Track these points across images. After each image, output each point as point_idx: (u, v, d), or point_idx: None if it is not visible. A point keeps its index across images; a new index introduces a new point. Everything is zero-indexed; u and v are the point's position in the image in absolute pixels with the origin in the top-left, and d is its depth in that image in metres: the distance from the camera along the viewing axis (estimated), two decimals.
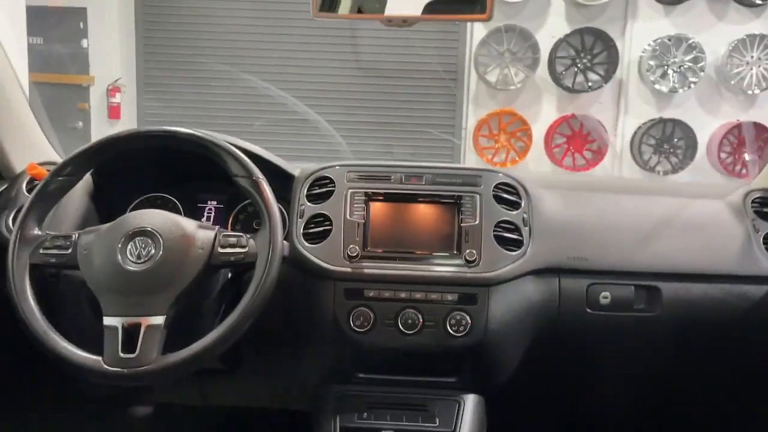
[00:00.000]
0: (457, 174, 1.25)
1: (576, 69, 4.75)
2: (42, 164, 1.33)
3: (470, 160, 4.90)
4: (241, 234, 1.09)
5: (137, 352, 0.98)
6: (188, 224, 1.09)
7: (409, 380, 1.21)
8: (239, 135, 1.27)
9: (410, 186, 1.24)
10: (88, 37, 4.84)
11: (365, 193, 1.23)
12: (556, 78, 4.75)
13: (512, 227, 1.20)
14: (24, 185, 1.32)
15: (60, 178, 1.12)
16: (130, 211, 1.36)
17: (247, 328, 1.02)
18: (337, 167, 1.28)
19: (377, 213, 1.23)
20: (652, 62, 4.72)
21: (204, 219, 1.38)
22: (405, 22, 1.01)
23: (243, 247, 1.07)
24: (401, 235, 1.22)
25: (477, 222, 1.20)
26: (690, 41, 4.64)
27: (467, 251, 1.17)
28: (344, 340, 1.16)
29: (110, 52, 4.88)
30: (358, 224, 1.20)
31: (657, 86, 4.72)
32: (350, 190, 1.23)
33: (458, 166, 1.29)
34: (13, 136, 1.37)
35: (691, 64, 4.68)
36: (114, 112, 4.90)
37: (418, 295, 1.16)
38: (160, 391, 1.57)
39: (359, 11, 1.05)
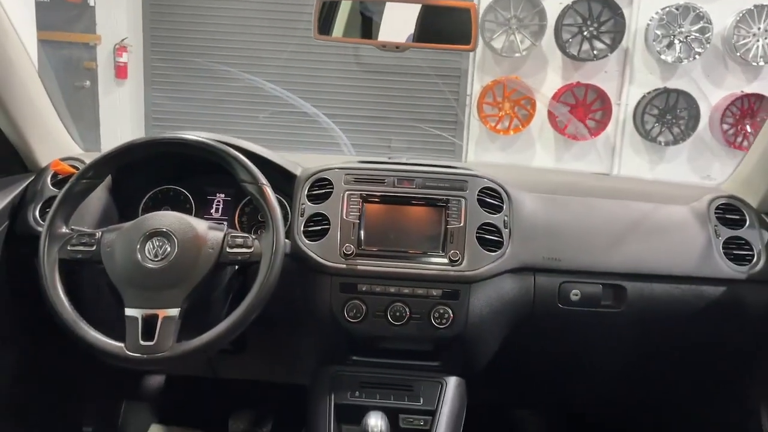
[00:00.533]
0: (446, 178, 1.36)
1: (582, 37, 4.76)
2: (64, 159, 1.45)
3: (474, 127, 4.97)
4: (247, 235, 1.21)
5: (155, 340, 1.12)
6: (200, 225, 1.20)
7: (397, 363, 1.34)
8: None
9: (402, 189, 1.35)
10: None
11: (361, 195, 1.34)
12: (562, 46, 4.75)
13: (494, 229, 1.32)
14: (48, 179, 1.43)
15: (84, 181, 1.24)
16: (145, 203, 1.49)
17: (253, 319, 1.16)
18: (335, 169, 1.38)
19: (371, 214, 1.34)
20: (658, 31, 4.70)
21: (213, 210, 1.50)
22: (398, 48, 1.10)
23: (249, 247, 1.19)
24: (392, 235, 1.33)
25: (462, 224, 1.31)
26: (698, 11, 4.61)
27: (452, 251, 1.29)
28: (339, 328, 1.29)
29: (116, 11, 4.89)
30: (354, 224, 1.31)
31: (663, 56, 4.72)
32: (347, 192, 1.34)
33: (447, 170, 1.39)
34: (38, 132, 1.47)
35: (697, 35, 4.66)
36: (121, 71, 4.93)
37: (406, 291, 1.28)
38: (174, 365, 1.72)
39: (356, 36, 1.14)
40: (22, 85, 1.41)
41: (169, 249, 1.17)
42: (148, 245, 1.17)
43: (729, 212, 1.41)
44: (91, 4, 4.86)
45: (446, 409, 1.29)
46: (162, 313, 1.13)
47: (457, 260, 1.28)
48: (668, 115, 4.83)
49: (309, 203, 1.35)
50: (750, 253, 1.35)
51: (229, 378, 1.78)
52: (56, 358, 1.62)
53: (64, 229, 1.22)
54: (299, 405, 1.44)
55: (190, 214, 1.41)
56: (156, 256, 1.17)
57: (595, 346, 1.44)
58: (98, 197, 1.41)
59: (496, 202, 1.35)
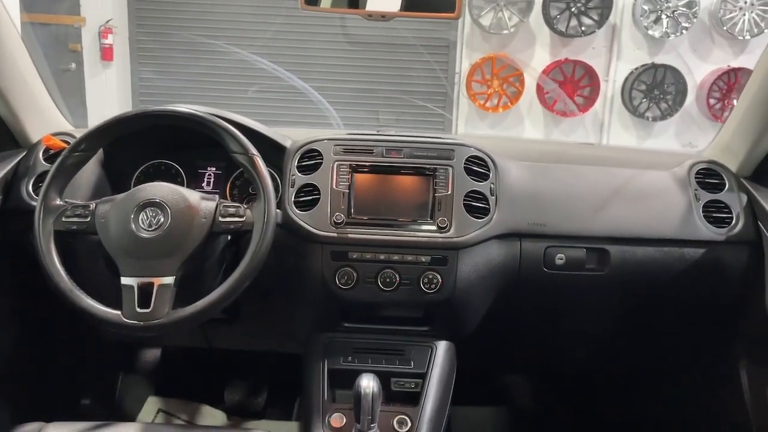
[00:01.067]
0: (433, 148, 1.38)
1: (570, 13, 4.76)
2: (55, 135, 1.46)
3: (463, 105, 4.98)
4: (239, 204, 1.23)
5: (151, 307, 1.14)
6: (192, 196, 1.23)
7: (388, 329, 1.37)
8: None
9: (390, 159, 1.38)
10: None
11: (350, 165, 1.36)
12: (550, 22, 4.76)
13: (480, 197, 1.34)
14: (40, 154, 1.45)
15: (77, 153, 1.25)
16: (137, 176, 1.51)
17: (246, 287, 1.19)
18: (324, 141, 1.40)
19: (361, 183, 1.36)
20: (646, 7, 4.71)
21: (204, 184, 1.52)
22: (383, 17, 1.12)
23: (241, 216, 1.21)
24: (382, 203, 1.35)
25: (449, 192, 1.34)
26: None
27: (440, 218, 1.32)
28: (331, 295, 1.32)
29: None
30: (343, 194, 1.34)
31: (650, 31, 4.74)
32: (336, 163, 1.37)
33: (434, 141, 1.41)
34: (28, 108, 1.48)
35: (684, 9, 4.68)
36: (107, 53, 4.90)
37: (395, 257, 1.31)
38: (169, 336, 1.75)
39: (342, 6, 1.15)
40: (12, 62, 1.42)
41: (162, 219, 1.19)
42: (142, 215, 1.19)
43: (709, 177, 1.44)
44: None
45: (436, 372, 1.33)
46: (157, 281, 1.15)
47: (445, 227, 1.31)
48: (656, 90, 4.86)
49: (299, 174, 1.37)
50: (729, 215, 1.39)
51: (224, 349, 1.81)
52: (52, 333, 1.64)
53: (58, 201, 1.23)
54: (294, 374, 1.47)
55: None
56: (150, 226, 1.19)
57: (581, 309, 1.48)
58: (90, 171, 1.42)
59: (483, 170, 1.38)
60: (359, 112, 4.94)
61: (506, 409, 2.03)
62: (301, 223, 1.32)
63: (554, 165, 1.46)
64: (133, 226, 1.18)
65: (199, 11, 4.91)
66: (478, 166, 1.38)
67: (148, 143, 1.48)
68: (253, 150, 1.24)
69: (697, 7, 4.65)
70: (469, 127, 5.02)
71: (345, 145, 1.39)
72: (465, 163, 1.37)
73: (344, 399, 1.27)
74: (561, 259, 1.36)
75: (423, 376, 1.32)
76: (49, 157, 1.44)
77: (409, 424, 1.23)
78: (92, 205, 1.23)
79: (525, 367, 1.93)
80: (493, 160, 1.39)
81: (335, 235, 1.31)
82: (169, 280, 1.16)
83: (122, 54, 5.01)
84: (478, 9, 4.75)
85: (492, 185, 1.36)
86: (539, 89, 4.90)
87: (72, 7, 4.86)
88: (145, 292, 1.15)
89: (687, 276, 1.37)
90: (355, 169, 1.37)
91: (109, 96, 4.99)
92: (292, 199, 1.35)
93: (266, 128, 1.43)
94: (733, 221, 1.38)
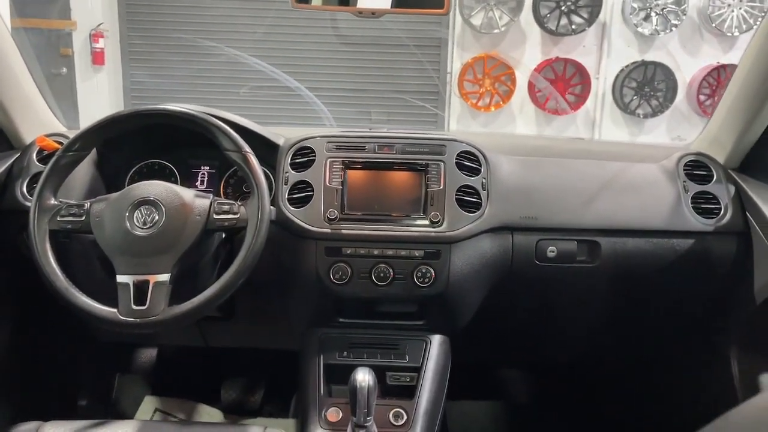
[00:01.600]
0: (425, 144, 1.39)
1: (560, 12, 4.79)
2: (49, 135, 1.47)
3: (455, 104, 5.00)
4: (233, 202, 1.24)
5: (147, 304, 1.15)
6: (186, 193, 1.23)
7: (383, 324, 1.39)
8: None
9: (383, 155, 1.39)
10: None
11: (342, 161, 1.38)
12: (540, 21, 4.79)
13: (472, 191, 1.36)
14: (34, 155, 1.45)
15: (71, 153, 1.26)
16: (131, 176, 1.51)
17: (241, 283, 1.20)
18: (317, 138, 1.41)
19: (353, 179, 1.37)
20: (635, 4, 4.75)
21: (198, 183, 1.53)
22: (374, 14, 1.13)
23: (235, 213, 1.22)
24: (374, 199, 1.37)
25: (441, 187, 1.35)
26: None
27: (432, 213, 1.33)
28: (325, 291, 1.33)
29: None
30: (337, 190, 1.35)
31: (639, 29, 4.77)
32: (329, 159, 1.38)
33: (426, 137, 1.43)
34: (22, 109, 1.48)
35: (673, 7, 4.72)
36: (98, 57, 4.90)
37: (389, 252, 1.33)
38: (165, 335, 1.75)
39: (333, 3, 1.17)
40: (5, 64, 1.43)
41: (157, 217, 1.20)
42: (137, 213, 1.20)
43: (697, 168, 1.46)
44: None
45: (431, 366, 1.34)
46: (153, 278, 1.16)
47: (438, 221, 1.33)
48: (646, 87, 4.90)
49: (292, 171, 1.38)
50: (717, 206, 1.41)
51: (220, 347, 1.82)
52: (48, 334, 1.65)
53: (52, 201, 1.24)
54: (290, 371, 1.48)
55: None
56: (145, 223, 1.19)
57: (573, 301, 1.49)
58: (84, 172, 1.43)
59: (474, 165, 1.39)
60: (351, 111, 4.96)
61: (502, 403, 2.05)
62: (295, 219, 1.33)
63: (545, 159, 1.48)
64: (128, 224, 1.19)
65: (190, 11, 4.92)
66: (470, 161, 1.39)
67: (141, 143, 1.49)
68: (246, 147, 1.25)
69: (686, 5, 4.69)
70: (462, 125, 5.04)
71: (337, 142, 1.40)
72: (456, 159, 1.38)
73: (340, 394, 1.28)
74: (552, 251, 1.38)
75: (418, 370, 1.33)
76: (43, 158, 1.44)
77: (405, 417, 1.24)
78: (87, 204, 1.24)
79: (519, 361, 1.94)
80: (484, 155, 1.41)
81: (329, 231, 1.32)
82: (165, 277, 1.17)
83: (114, 57, 5.00)
84: (468, 9, 4.77)
85: (483, 180, 1.38)
86: (531, 87, 4.92)
87: (63, 11, 4.85)
88: (141, 289, 1.16)
89: (677, 266, 1.39)
90: (348, 165, 1.38)
91: (100, 99, 4.98)
92: (286, 196, 1.36)
93: (259, 126, 1.45)
94: (722, 212, 1.40)
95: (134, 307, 1.15)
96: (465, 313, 1.42)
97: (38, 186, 1.24)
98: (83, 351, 1.81)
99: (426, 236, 1.32)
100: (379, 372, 1.26)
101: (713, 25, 4.71)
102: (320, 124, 4.84)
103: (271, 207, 1.25)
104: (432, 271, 1.32)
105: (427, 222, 1.33)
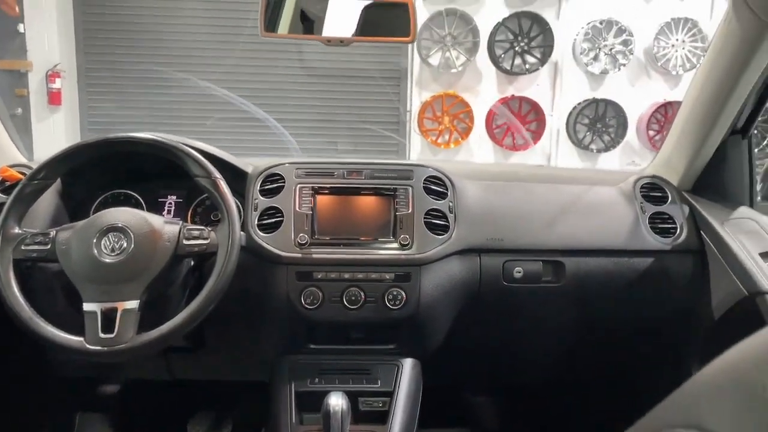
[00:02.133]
0: (393, 169, 1.43)
1: (514, 52, 4.97)
2: (12, 167, 1.45)
3: (415, 141, 5.10)
4: (203, 227, 1.23)
5: (115, 332, 1.12)
6: (155, 220, 1.23)
7: (354, 349, 1.38)
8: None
9: (352, 180, 1.41)
10: (25, 21, 4.75)
11: (312, 187, 1.39)
12: (496, 61, 4.96)
13: (440, 214, 1.39)
14: None
15: (35, 182, 1.24)
16: (96, 206, 1.50)
17: (211, 310, 1.18)
18: (286, 165, 1.43)
19: (323, 205, 1.39)
20: (585, 45, 4.97)
21: (165, 212, 1.51)
22: (342, 42, 1.17)
23: (205, 239, 1.22)
24: (344, 223, 1.38)
25: (410, 211, 1.38)
26: (620, 25, 4.91)
27: (402, 236, 1.35)
28: (297, 316, 1.33)
29: (48, 37, 4.80)
30: (306, 215, 1.36)
31: (590, 68, 4.99)
32: (298, 185, 1.39)
33: (393, 163, 1.46)
34: None
35: (621, 47, 4.95)
36: (54, 98, 4.83)
37: (360, 276, 1.33)
38: (130, 368, 1.71)
39: (302, 32, 1.20)
40: None
41: (125, 244, 1.18)
42: (104, 240, 1.18)
43: (653, 190, 1.53)
44: (21, 30, 4.77)
45: (403, 390, 1.34)
46: (121, 305, 1.14)
47: (407, 244, 1.35)
48: (598, 123, 5.09)
49: (262, 198, 1.39)
50: (673, 226, 1.47)
51: (187, 380, 1.78)
52: (3, 371, 1.58)
53: (17, 230, 1.21)
54: (259, 403, 1.46)
55: None
56: (113, 250, 1.18)
57: (540, 321, 1.52)
58: (48, 202, 1.41)
59: (441, 189, 1.43)
60: (318, 141, 4.99)
61: (471, 430, 2.04)
62: (265, 245, 1.34)
63: (509, 183, 1.52)
64: (96, 251, 1.17)
65: (153, 43, 4.91)
66: (437, 186, 1.43)
67: (106, 173, 1.47)
68: (215, 173, 1.26)
69: (632, 45, 4.93)
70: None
71: (307, 168, 1.42)
72: (424, 183, 1.42)
73: (312, 422, 1.27)
74: (519, 272, 1.41)
75: (390, 395, 1.33)
76: (5, 189, 1.41)
77: None
78: (52, 233, 1.22)
79: (490, 384, 1.95)
80: (450, 180, 1.44)
81: (300, 255, 1.33)
82: (133, 304, 1.15)
83: (71, 96, 4.94)
84: (426, 49, 4.91)
85: (450, 203, 1.41)
86: (488, 124, 5.05)
87: (19, 52, 4.79)
88: (109, 317, 1.14)
89: (637, 284, 1.43)
90: (317, 191, 1.39)
91: (57, 139, 4.90)
92: (256, 222, 1.36)
93: (227, 155, 1.45)
94: (677, 231, 1.46)
95: (102, 335, 1.13)
96: (436, 335, 1.43)
97: (2, 215, 1.21)
98: (41, 388, 1.74)
99: (396, 259, 1.34)
100: (352, 397, 1.25)
101: (659, 64, 4.96)
102: (287, 155, 4.85)
103: (242, 233, 1.25)
104: (403, 293, 1.33)
105: (396, 245, 1.35)
